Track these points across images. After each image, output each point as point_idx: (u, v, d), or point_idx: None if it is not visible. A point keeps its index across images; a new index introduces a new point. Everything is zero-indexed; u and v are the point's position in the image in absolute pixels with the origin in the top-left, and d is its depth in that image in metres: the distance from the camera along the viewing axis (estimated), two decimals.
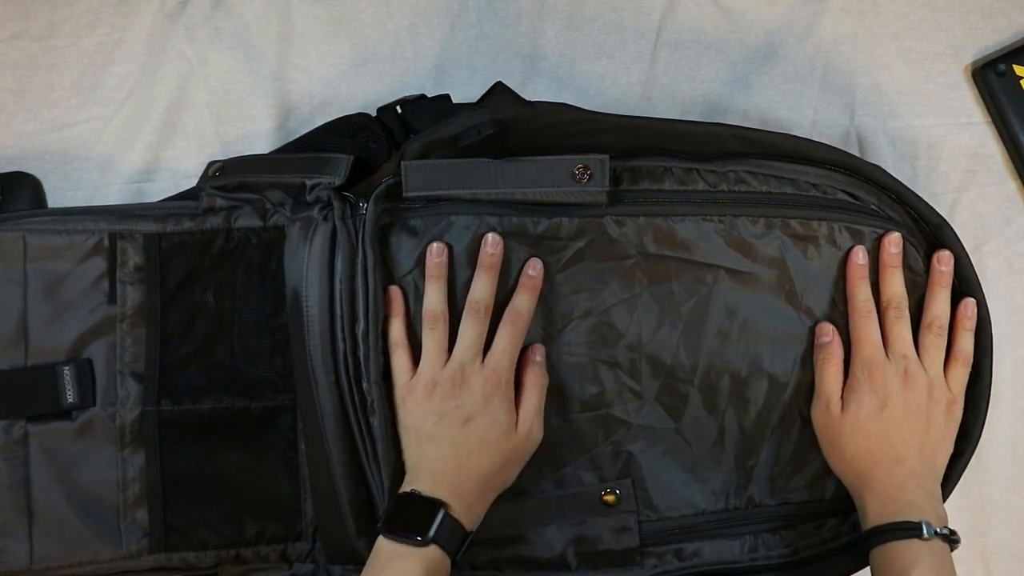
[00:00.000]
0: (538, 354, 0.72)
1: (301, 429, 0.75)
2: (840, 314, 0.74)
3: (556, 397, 0.74)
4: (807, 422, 0.75)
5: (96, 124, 0.86)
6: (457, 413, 0.69)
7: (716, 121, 0.76)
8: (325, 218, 0.71)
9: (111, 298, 0.75)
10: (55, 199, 0.85)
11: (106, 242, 0.75)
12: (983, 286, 0.78)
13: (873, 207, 0.74)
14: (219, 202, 0.76)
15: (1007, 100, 0.81)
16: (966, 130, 0.84)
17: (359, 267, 0.70)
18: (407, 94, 0.79)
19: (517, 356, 0.71)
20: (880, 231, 0.73)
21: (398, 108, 0.78)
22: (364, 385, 0.70)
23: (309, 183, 0.72)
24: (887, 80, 0.84)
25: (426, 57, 0.85)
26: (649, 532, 0.75)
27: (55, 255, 0.75)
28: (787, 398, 0.75)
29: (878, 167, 0.74)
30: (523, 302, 0.71)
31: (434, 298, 0.71)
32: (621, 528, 0.74)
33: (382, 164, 0.78)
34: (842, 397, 0.72)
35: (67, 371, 0.74)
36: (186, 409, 0.75)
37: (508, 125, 0.70)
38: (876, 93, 0.84)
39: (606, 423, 0.74)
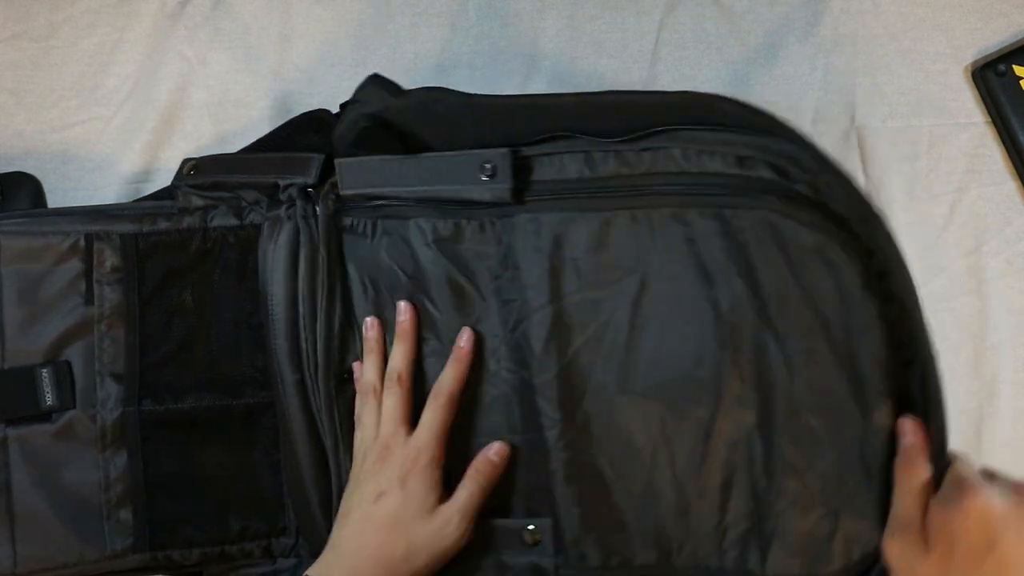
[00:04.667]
0: (493, 452, 0.65)
1: (281, 426, 0.75)
2: (763, 324, 0.61)
3: (491, 418, 0.67)
4: (746, 468, 0.62)
5: (96, 124, 0.86)
6: (372, 487, 0.63)
7: (616, 89, 0.70)
8: (289, 217, 0.71)
9: (88, 299, 0.75)
10: (55, 199, 0.85)
11: (82, 243, 0.75)
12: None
13: (800, 188, 0.61)
14: (195, 201, 0.75)
15: (1007, 100, 0.81)
16: (966, 130, 0.84)
17: (320, 265, 0.69)
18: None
19: (444, 434, 0.65)
20: (803, 225, 0.60)
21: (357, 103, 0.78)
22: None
23: (282, 183, 0.72)
24: (887, 80, 0.84)
25: (427, 57, 0.85)
26: None
27: (31, 257, 0.74)
28: (719, 435, 0.63)
29: (798, 137, 0.60)
30: (449, 376, 0.65)
31: (368, 372, 0.68)
32: (537, 570, 0.66)
33: None
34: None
35: (45, 373, 0.74)
36: (168, 408, 0.75)
37: (384, 118, 0.67)
38: (876, 93, 0.84)
39: (535, 452, 0.66)
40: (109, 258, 0.75)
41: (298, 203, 0.71)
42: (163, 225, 0.76)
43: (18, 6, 0.86)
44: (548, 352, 0.65)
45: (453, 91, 0.68)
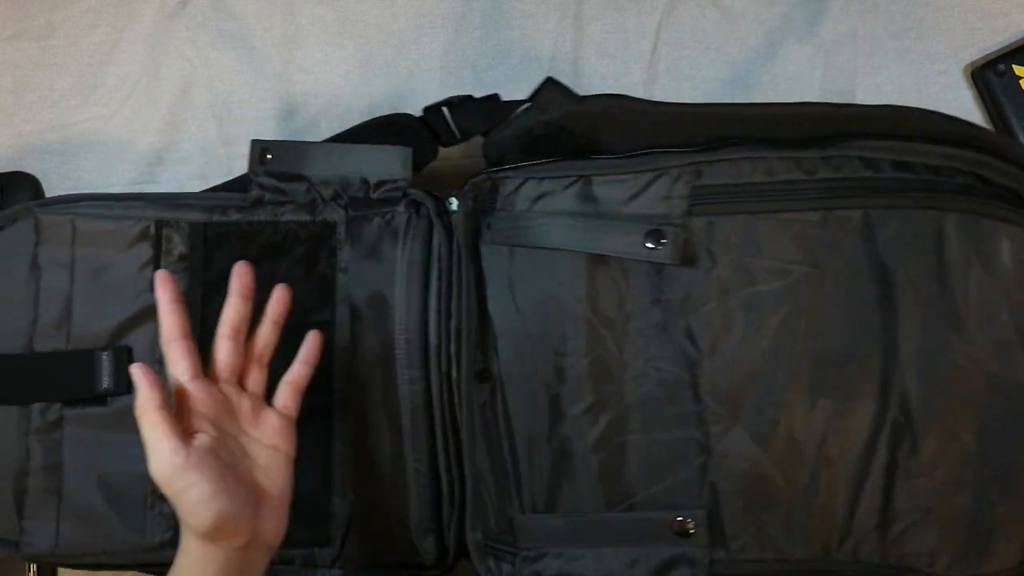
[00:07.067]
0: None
1: (339, 430, 0.74)
2: (947, 329, 0.63)
3: (636, 415, 0.68)
4: (914, 466, 0.64)
5: (96, 124, 0.86)
6: None
7: (802, 101, 0.71)
8: (418, 214, 0.72)
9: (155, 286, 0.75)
10: None
11: (152, 229, 0.75)
12: None
13: (1005, 191, 0.62)
14: (267, 196, 0.75)
15: (1007, 100, 0.82)
16: None
17: (454, 265, 0.70)
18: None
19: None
20: (1012, 224, 0.61)
21: (444, 109, 0.77)
22: (455, 381, 0.71)
23: (373, 180, 0.73)
24: (887, 80, 0.84)
25: (431, 58, 0.85)
26: (722, 574, 0.67)
27: (102, 241, 0.74)
28: (888, 434, 0.64)
29: (1010, 139, 0.64)
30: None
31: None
32: (689, 561, 0.67)
33: (426, 164, 0.77)
34: None
35: (105, 357, 0.74)
36: None
37: (562, 124, 0.68)
38: (876, 93, 0.84)
39: (685, 447, 0.67)
40: (177, 246, 0.75)
41: (427, 203, 0.71)
42: (234, 217, 0.75)
43: (18, 6, 0.86)
44: (715, 350, 0.66)
45: (634, 98, 0.69)
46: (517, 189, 0.70)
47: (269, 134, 0.85)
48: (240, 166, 0.85)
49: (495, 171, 0.70)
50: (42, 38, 0.86)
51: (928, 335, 0.63)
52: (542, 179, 0.69)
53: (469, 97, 0.77)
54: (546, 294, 0.70)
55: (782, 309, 0.65)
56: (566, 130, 0.69)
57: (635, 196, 0.67)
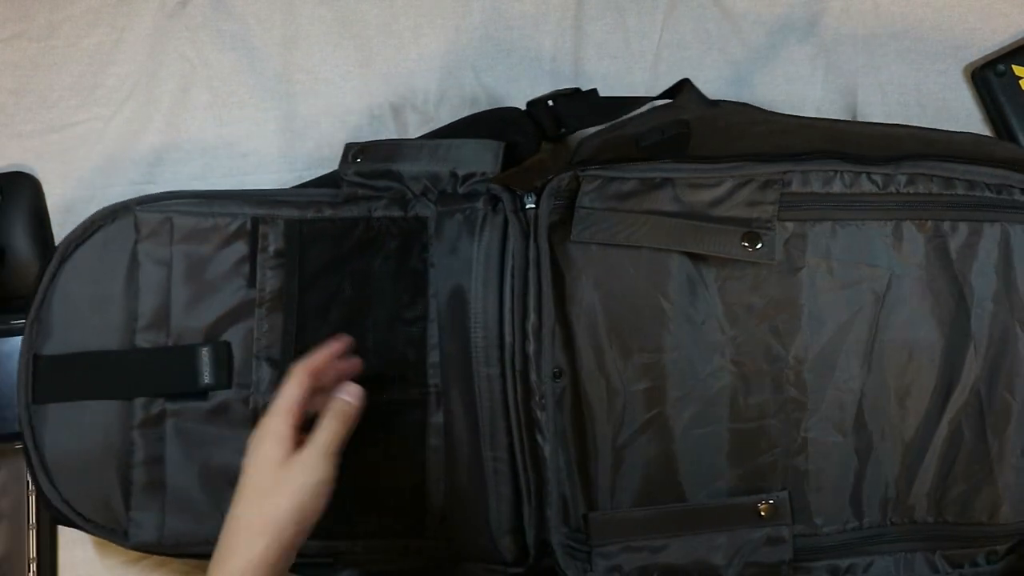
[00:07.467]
0: (346, 392, 0.67)
1: (434, 424, 0.74)
2: (1012, 321, 0.71)
3: (718, 408, 0.72)
4: (977, 438, 0.72)
5: (96, 124, 0.86)
6: None
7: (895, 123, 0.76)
8: (495, 210, 0.71)
9: (251, 282, 0.75)
10: (55, 199, 0.85)
11: (249, 226, 0.76)
12: None
13: None
14: (360, 191, 0.75)
15: (1006, 100, 0.82)
16: (965, 129, 0.84)
17: (531, 262, 0.70)
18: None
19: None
20: None
21: (549, 102, 0.78)
22: (532, 379, 0.70)
23: (461, 173, 0.73)
24: (887, 80, 0.84)
25: (431, 59, 0.86)
26: (804, 547, 0.72)
27: (200, 237, 0.76)
28: (951, 411, 0.72)
29: None
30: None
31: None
32: (774, 540, 0.71)
33: (528, 157, 0.77)
34: None
35: (205, 352, 0.75)
36: None
37: (691, 125, 0.70)
38: (877, 93, 0.84)
39: (769, 434, 0.72)
40: (273, 242, 0.75)
41: (504, 197, 0.71)
42: (327, 213, 0.76)
43: (18, 6, 0.86)
44: (798, 345, 0.71)
45: (756, 107, 0.75)
46: (602, 187, 0.70)
47: (269, 134, 0.85)
48: (239, 166, 0.86)
49: (582, 169, 0.71)
50: (42, 38, 0.86)
51: (997, 327, 0.71)
52: (629, 179, 0.70)
53: (577, 90, 0.78)
54: (628, 293, 0.71)
55: (859, 306, 0.71)
56: (692, 131, 0.71)
57: (720, 200, 0.69)
